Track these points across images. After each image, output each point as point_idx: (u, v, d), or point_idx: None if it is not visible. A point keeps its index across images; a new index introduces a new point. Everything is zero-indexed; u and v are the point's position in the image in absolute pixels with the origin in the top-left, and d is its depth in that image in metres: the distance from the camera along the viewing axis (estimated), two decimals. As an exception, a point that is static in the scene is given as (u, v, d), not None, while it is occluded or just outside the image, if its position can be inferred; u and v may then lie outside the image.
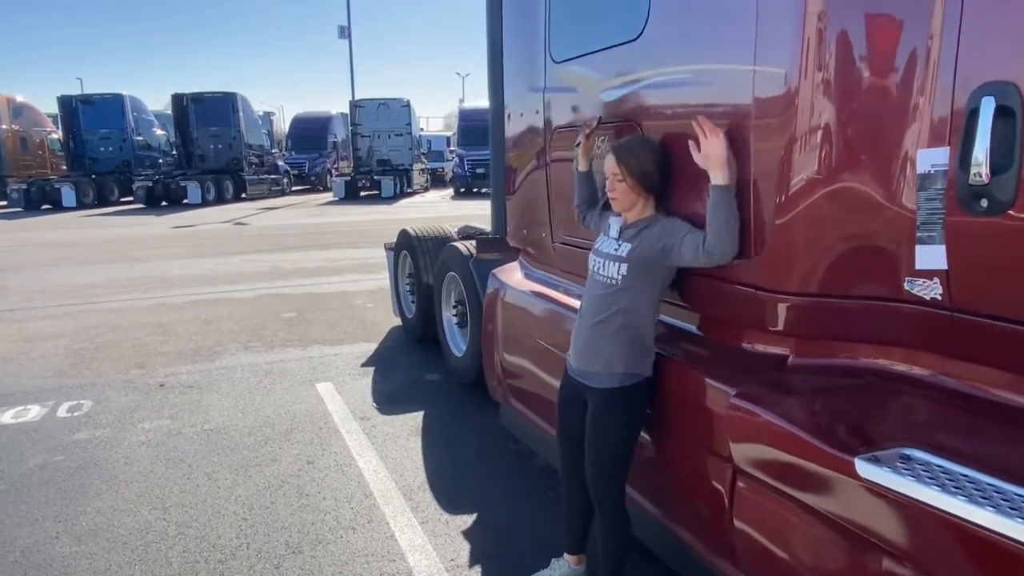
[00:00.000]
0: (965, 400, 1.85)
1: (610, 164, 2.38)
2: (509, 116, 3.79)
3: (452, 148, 32.82)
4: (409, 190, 28.44)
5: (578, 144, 2.85)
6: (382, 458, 4.02)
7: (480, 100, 33.17)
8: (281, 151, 32.97)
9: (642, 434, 2.56)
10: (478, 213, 17.40)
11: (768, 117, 2.04)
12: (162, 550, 3.12)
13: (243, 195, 26.34)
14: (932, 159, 1.75)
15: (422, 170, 30.97)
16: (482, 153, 26.95)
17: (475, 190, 27.49)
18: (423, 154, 32.03)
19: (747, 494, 2.14)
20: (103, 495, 3.63)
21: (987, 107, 1.59)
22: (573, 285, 3.40)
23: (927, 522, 1.60)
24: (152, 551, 3.11)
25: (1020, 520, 1.42)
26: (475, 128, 27.75)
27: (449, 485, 3.71)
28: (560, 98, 3.24)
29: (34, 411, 4.84)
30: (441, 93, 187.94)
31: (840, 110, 1.92)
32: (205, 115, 25.67)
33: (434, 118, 64.41)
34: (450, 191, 29.00)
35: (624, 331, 2.40)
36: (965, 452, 1.70)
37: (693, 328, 2.63)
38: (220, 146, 25.98)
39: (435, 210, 21.08)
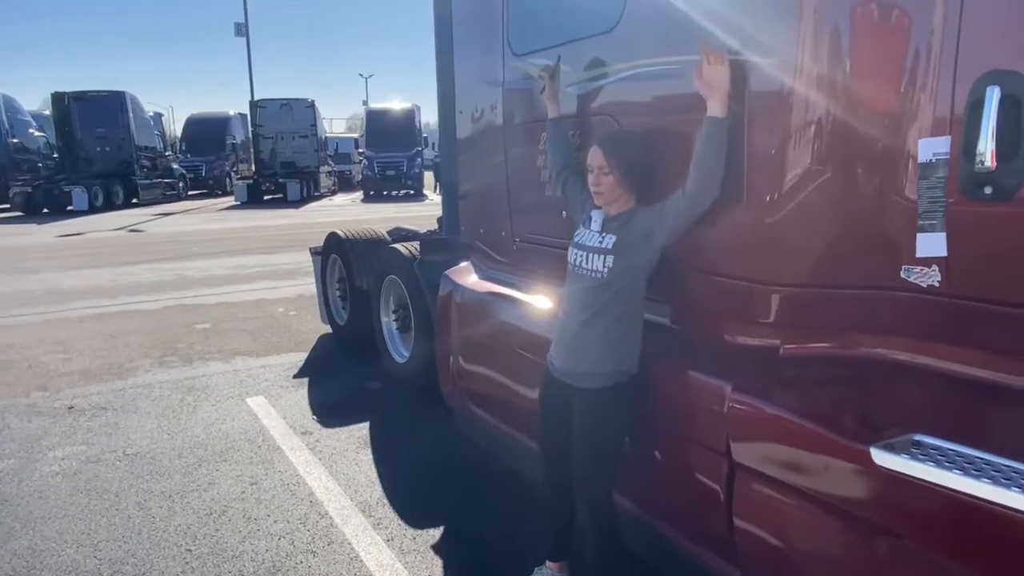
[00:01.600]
0: (966, 386, 1.89)
1: (596, 157, 2.31)
2: (461, 112, 3.66)
3: (360, 150, 32.08)
4: (316, 193, 27.55)
5: (543, 91, 2.75)
6: (332, 474, 3.79)
7: (384, 100, 32.63)
8: (174, 153, 31.17)
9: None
10: (394, 216, 17.07)
11: (762, 108, 2.03)
12: (97, 593, 2.79)
13: (135, 200, 24.68)
14: (933, 148, 1.77)
15: (329, 173, 30.09)
16: (392, 155, 26.55)
17: (386, 193, 26.97)
18: (329, 156, 31.14)
19: (748, 490, 2.12)
20: (18, 535, 3.22)
21: (991, 96, 1.63)
22: (533, 283, 3.31)
23: (948, 506, 1.61)
24: (85, 595, 2.78)
25: (1050, 499, 1.45)
26: (383, 129, 27.28)
27: (408, 498, 3.54)
28: (521, 93, 3.14)
29: (-82, 445, 4.27)
30: (343, 94, 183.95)
31: (836, 102, 1.92)
32: (90, 115, 23.87)
33: (337, 119, 62.80)
34: (359, 194, 28.31)
35: (615, 327, 2.33)
36: (973, 436, 1.73)
37: (674, 323, 2.60)
38: (108, 148, 24.21)
39: (348, 213, 20.50)
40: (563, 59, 2.79)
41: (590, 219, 2.47)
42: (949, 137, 1.74)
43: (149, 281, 9.87)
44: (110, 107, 24.24)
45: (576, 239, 2.48)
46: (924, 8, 1.76)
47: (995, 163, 1.64)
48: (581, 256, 2.40)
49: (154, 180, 26.16)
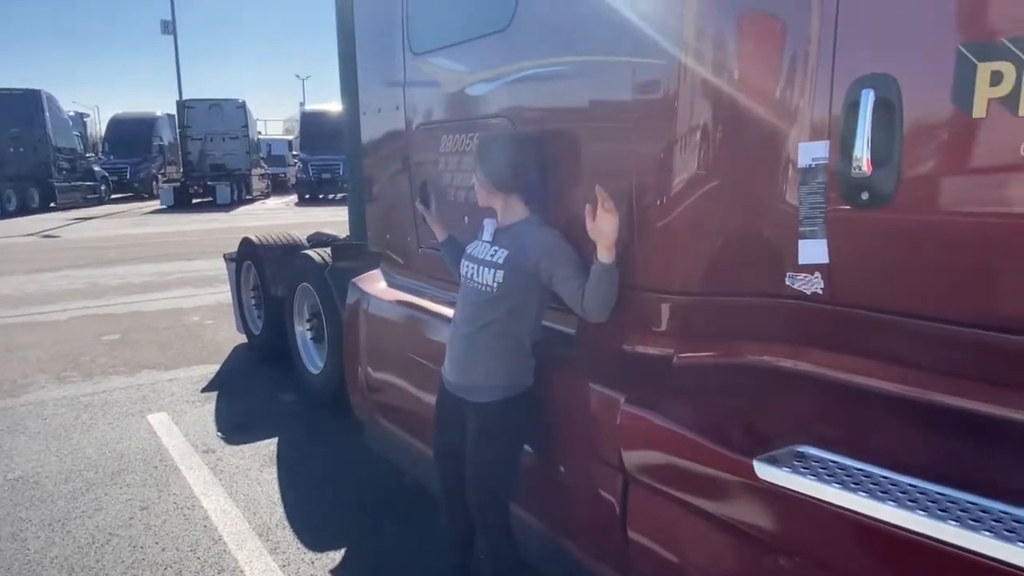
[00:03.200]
0: (849, 393, 1.86)
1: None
2: (365, 113, 3.52)
3: (295, 152, 31.32)
4: (248, 197, 26.75)
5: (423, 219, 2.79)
6: (231, 495, 3.57)
7: (322, 102, 32.01)
8: (97, 155, 29.77)
9: (526, 447, 2.42)
10: (327, 220, 16.65)
11: (648, 112, 1.97)
12: (-51, 639, 2.53)
13: (52, 204, 23.44)
14: (813, 153, 1.74)
15: (262, 175, 29.25)
16: (327, 157, 25.97)
17: (321, 196, 26.37)
18: (263, 158, 30.29)
19: (641, 503, 2.06)
20: None
21: (867, 99, 1.60)
22: (441, 292, 3.20)
23: (828, 520, 1.57)
24: (-65, 642, 2.51)
25: (922, 513, 1.41)
26: (318, 131, 26.66)
27: (311, 518, 3.36)
28: (422, 93, 3.02)
29: None
30: (281, 96, 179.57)
31: (720, 106, 1.88)
32: (3, 115, 22.53)
33: (273, 121, 61.26)
34: (294, 197, 27.63)
35: (502, 340, 2.24)
36: (855, 446, 1.70)
37: (575, 332, 2.53)
38: (22, 149, 22.91)
39: (279, 217, 19.95)
40: (458, 59, 2.70)
41: (483, 228, 2.37)
42: (828, 141, 1.71)
43: (58, 290, 9.31)
44: (24, 106, 23.01)
45: (468, 251, 2.38)
46: (801, 12, 1.72)
47: (871, 168, 1.61)
48: (472, 268, 2.31)
49: (73, 183, 24.91)
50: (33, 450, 4.17)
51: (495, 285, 2.21)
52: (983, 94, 1.44)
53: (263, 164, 30.06)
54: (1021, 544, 1.30)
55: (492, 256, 2.26)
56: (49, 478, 3.80)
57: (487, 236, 2.34)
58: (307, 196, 26.30)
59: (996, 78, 1.42)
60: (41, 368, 5.81)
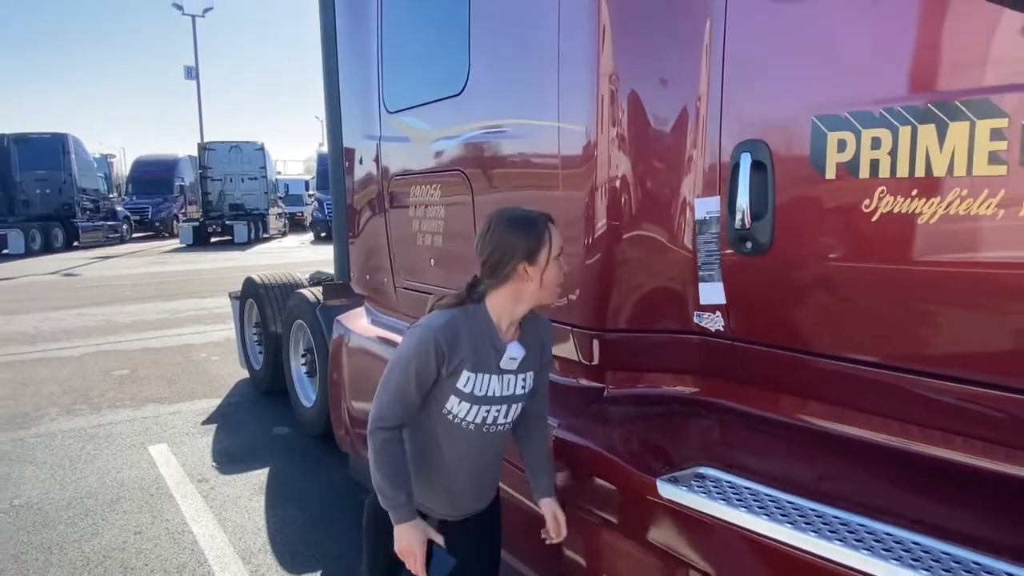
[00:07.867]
0: (749, 420, 2.06)
1: None
2: (349, 162, 3.82)
3: (311, 192, 32.05)
4: (265, 235, 27.37)
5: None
6: (220, 522, 3.79)
7: (339, 144, 32.62)
8: (120, 195, 30.69)
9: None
10: (337, 258, 17.03)
11: (572, 168, 2.22)
12: (-50, 650, 2.74)
13: (75, 243, 24.18)
14: (707, 207, 1.98)
15: (279, 214, 29.94)
16: (342, 197, 26.47)
17: (336, 235, 26.83)
18: (280, 198, 31.03)
19: (574, 523, 2.24)
20: None
21: (745, 162, 1.83)
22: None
23: (720, 535, 1.76)
24: (-63, 652, 2.73)
25: (789, 526, 1.60)
26: (334, 172, 27.25)
27: (293, 544, 3.56)
28: (394, 147, 3.31)
29: None
30: (301, 137, 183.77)
31: (633, 163, 2.12)
32: (30, 157, 23.43)
33: (293, 161, 62.66)
34: (310, 236, 28.21)
35: None
36: (750, 467, 1.89)
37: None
38: (48, 190, 23.74)
39: (293, 256, 20.40)
40: (424, 118, 2.98)
41: (498, 354, 1.79)
42: (719, 197, 1.95)
43: (73, 327, 9.67)
44: (51, 149, 23.89)
45: (478, 392, 1.79)
46: (694, 84, 1.98)
47: (751, 221, 1.84)
48: (497, 411, 1.83)
49: (96, 223, 25.69)
50: (39, 478, 4.41)
51: (526, 390, 1.88)
52: (832, 159, 1.67)
53: (280, 204, 30.77)
54: (865, 552, 1.49)
55: (523, 388, 1.86)
56: (51, 504, 4.04)
57: (513, 365, 1.82)
58: (323, 235, 26.79)
59: (842, 145, 1.65)
60: (53, 402, 6.10)
